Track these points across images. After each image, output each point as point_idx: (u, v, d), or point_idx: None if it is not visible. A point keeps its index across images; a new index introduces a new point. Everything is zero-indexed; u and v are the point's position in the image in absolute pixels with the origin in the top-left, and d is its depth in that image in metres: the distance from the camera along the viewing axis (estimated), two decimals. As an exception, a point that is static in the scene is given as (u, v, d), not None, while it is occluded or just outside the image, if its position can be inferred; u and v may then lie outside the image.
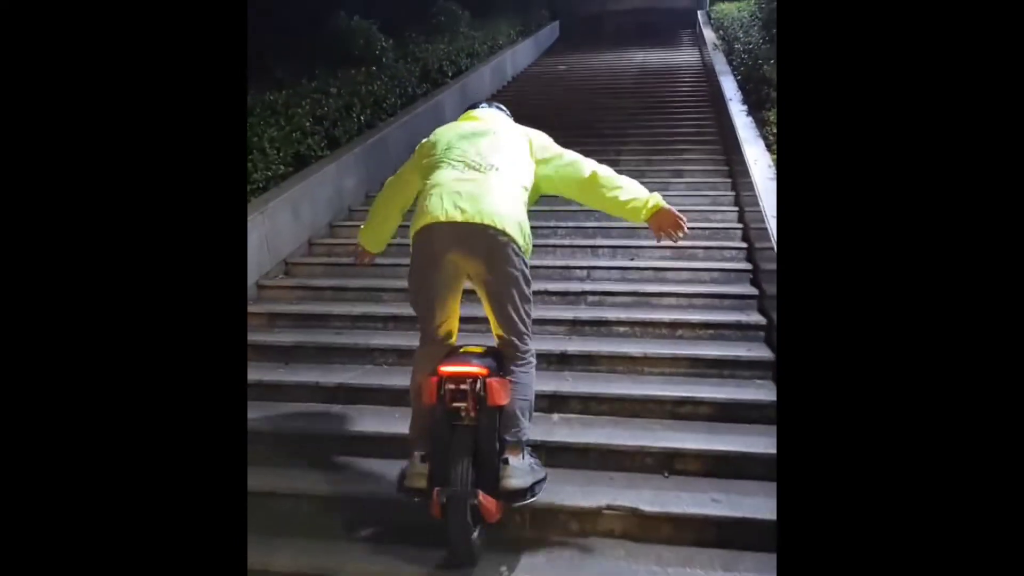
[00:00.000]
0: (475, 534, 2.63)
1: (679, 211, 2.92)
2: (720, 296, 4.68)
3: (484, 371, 2.58)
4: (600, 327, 4.43)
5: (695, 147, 7.52)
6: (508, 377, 2.69)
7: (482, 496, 2.53)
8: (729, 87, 8.13)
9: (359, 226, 3.47)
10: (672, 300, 4.71)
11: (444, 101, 8.93)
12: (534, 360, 2.83)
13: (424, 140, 3.03)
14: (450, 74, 9.78)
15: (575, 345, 4.20)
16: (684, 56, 13.67)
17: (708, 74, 10.98)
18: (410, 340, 3.47)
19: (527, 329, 2.78)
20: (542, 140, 2.99)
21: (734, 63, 9.04)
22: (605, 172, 2.93)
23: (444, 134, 2.96)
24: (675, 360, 4.03)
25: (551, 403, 3.71)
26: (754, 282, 4.84)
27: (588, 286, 4.92)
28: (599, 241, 5.55)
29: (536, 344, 2.93)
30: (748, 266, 5.03)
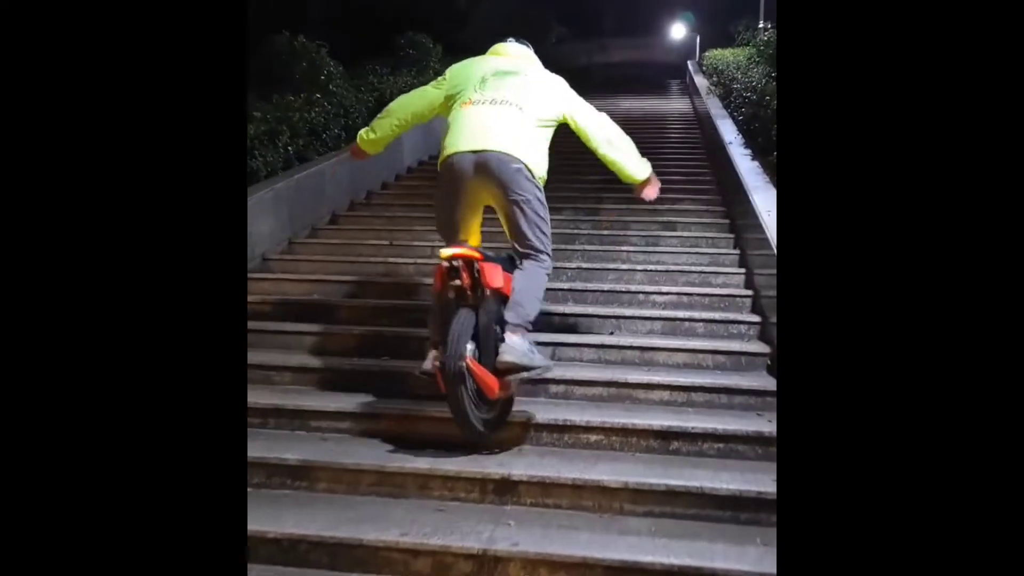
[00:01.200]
0: (483, 412, 2.85)
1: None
2: (728, 391, 3.42)
3: (478, 256, 2.85)
4: (563, 434, 3.16)
5: (688, 196, 6.38)
6: (518, 267, 3.01)
7: (472, 363, 2.74)
8: (728, 131, 7.05)
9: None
10: (664, 394, 3.45)
11: (402, 139, 7.78)
12: (550, 264, 3.11)
13: (454, 67, 3.31)
14: (412, 110, 8.64)
15: (524, 464, 2.92)
16: (674, 104, 12.72)
17: (701, 121, 9.99)
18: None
19: (544, 246, 3.07)
20: (565, 92, 3.26)
21: (733, 104, 7.98)
22: (607, 151, 3.29)
23: (475, 68, 3.22)
24: (670, 495, 2.73)
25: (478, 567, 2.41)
26: (772, 370, 3.61)
27: (551, 371, 3.64)
28: (570, 307, 4.31)
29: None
30: (763, 348, 3.80)
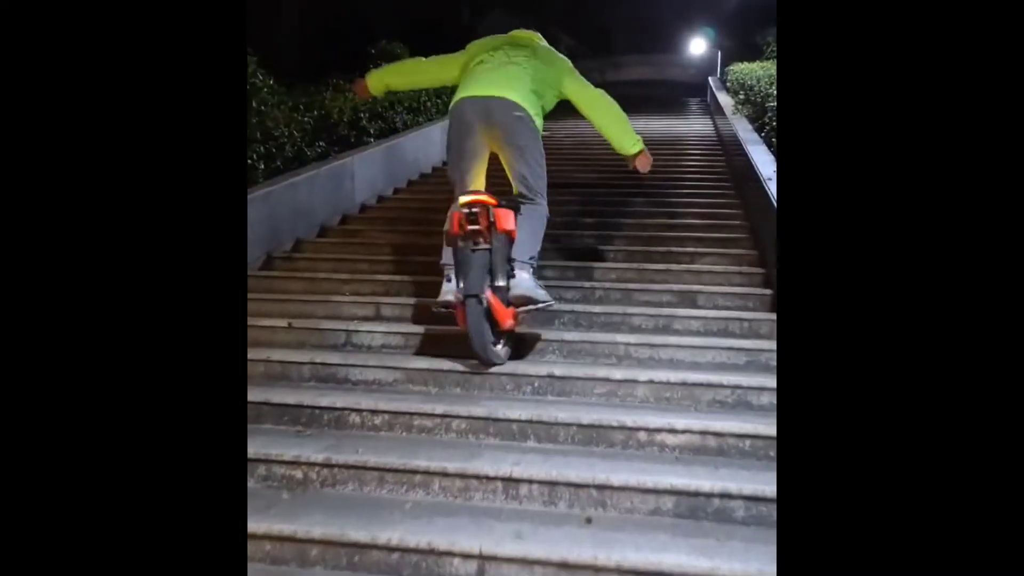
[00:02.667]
0: (498, 344, 3.23)
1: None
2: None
3: (494, 201, 3.15)
4: None
5: (712, 251, 4.80)
6: (519, 211, 3.28)
7: (492, 296, 3.10)
8: (764, 160, 5.44)
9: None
10: None
11: (353, 165, 6.24)
12: (544, 208, 3.39)
13: (474, 42, 3.63)
14: (373, 132, 7.13)
15: None
16: (694, 126, 11.11)
17: (725, 145, 8.39)
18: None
19: (541, 189, 3.38)
20: (567, 67, 3.55)
21: (768, 124, 6.36)
22: (600, 124, 3.60)
23: (491, 40, 3.60)
24: None
25: None
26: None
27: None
28: (524, 465, 2.66)
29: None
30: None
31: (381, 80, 3.80)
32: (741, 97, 9.01)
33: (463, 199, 3.11)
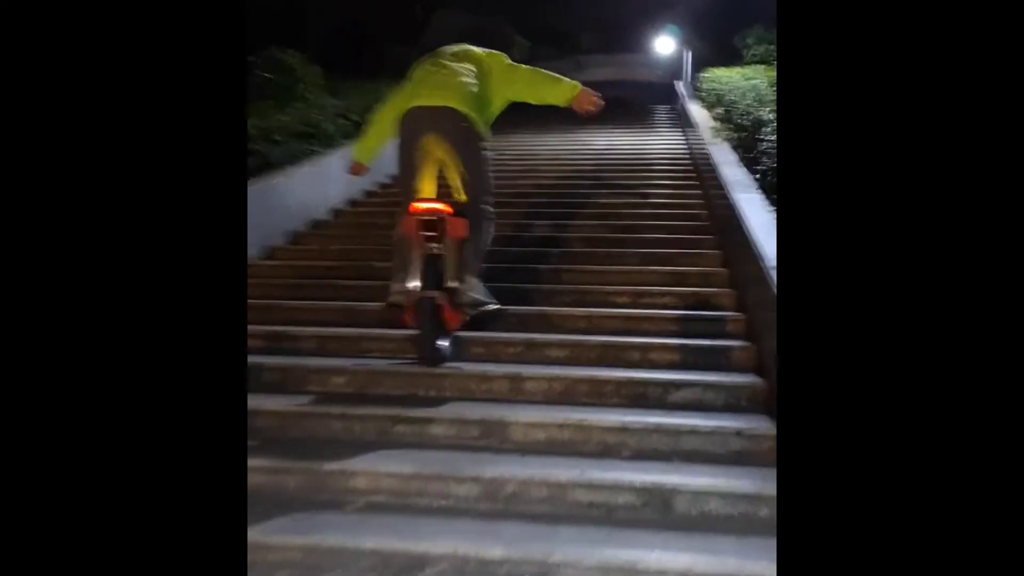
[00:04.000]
0: (443, 341, 3.31)
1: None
2: None
3: (449, 209, 3.28)
4: None
5: (676, 329, 3.22)
6: (467, 217, 3.35)
7: (441, 299, 3.21)
8: (759, 220, 3.88)
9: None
10: None
11: (279, 193, 4.51)
12: (493, 215, 3.57)
13: (417, 60, 3.74)
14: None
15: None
16: (663, 138, 9.52)
17: (702, 178, 6.80)
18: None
19: (487, 193, 3.50)
20: (503, 59, 3.70)
21: (768, 168, 4.79)
22: (535, 97, 3.64)
23: (436, 52, 3.69)
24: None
25: None
26: None
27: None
28: None
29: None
30: None
31: (365, 149, 3.91)
32: (720, 112, 7.43)
33: (418, 206, 3.25)
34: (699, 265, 4.64)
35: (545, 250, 5.11)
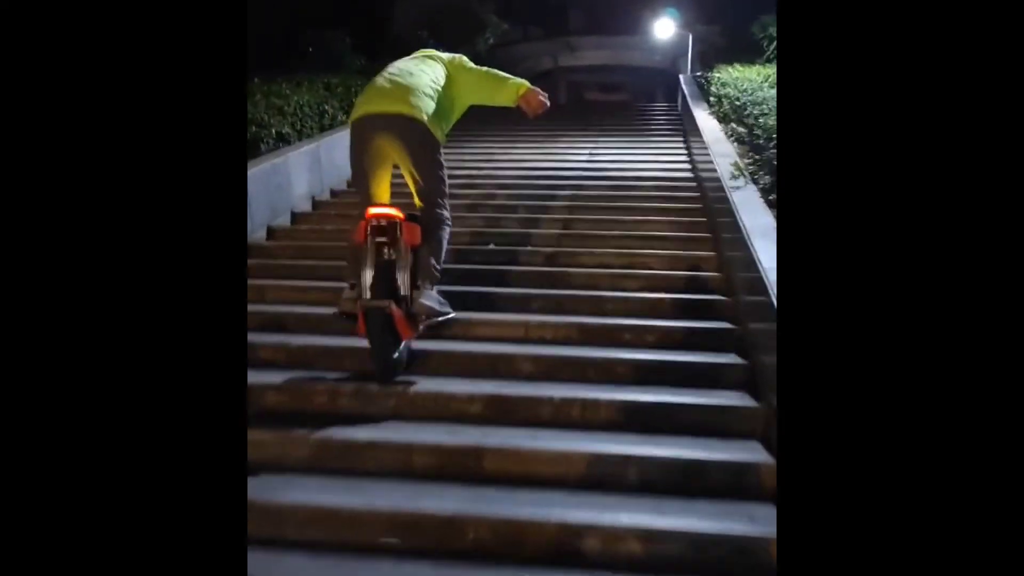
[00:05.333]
0: (396, 353, 3.17)
1: None
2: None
3: (402, 216, 3.18)
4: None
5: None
6: (423, 224, 3.30)
7: (394, 308, 3.08)
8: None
9: None
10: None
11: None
12: (448, 221, 3.45)
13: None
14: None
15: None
16: (661, 155, 7.66)
17: (711, 211, 5.00)
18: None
19: (442, 199, 3.41)
20: (462, 61, 3.60)
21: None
22: (485, 98, 3.57)
23: (399, 60, 3.59)
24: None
25: None
26: None
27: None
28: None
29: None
30: None
31: None
32: (740, 132, 5.58)
33: (372, 211, 3.16)
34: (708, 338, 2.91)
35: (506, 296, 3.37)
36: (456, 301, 4.01)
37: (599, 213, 5.51)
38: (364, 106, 3.35)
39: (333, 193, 6.30)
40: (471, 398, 2.97)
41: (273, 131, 5.63)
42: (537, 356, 3.34)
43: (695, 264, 4.53)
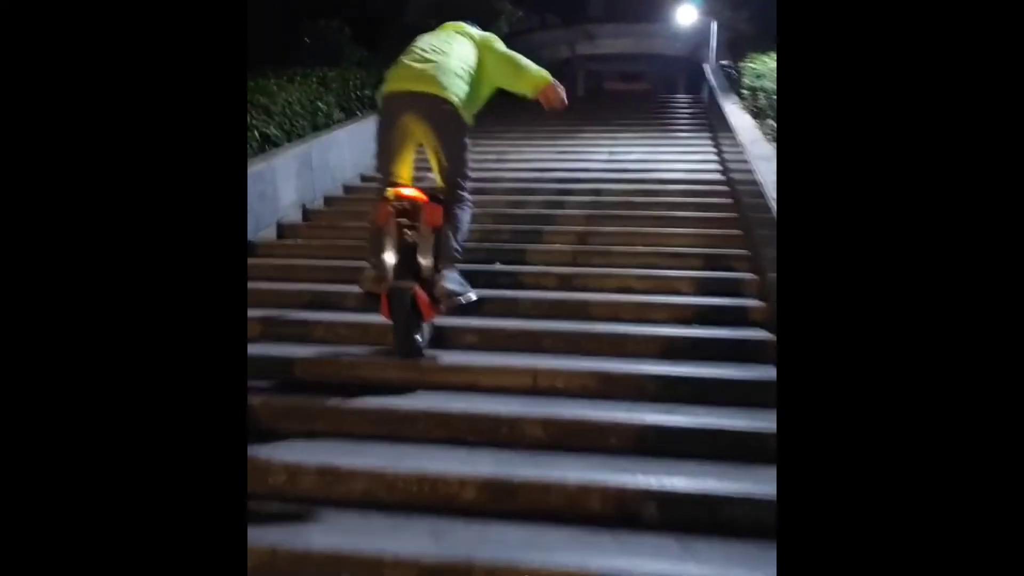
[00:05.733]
0: (418, 334, 3.17)
1: None
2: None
3: (423, 197, 3.15)
4: None
5: None
6: (446, 205, 3.25)
7: (418, 290, 3.07)
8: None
9: None
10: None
11: None
12: (470, 202, 3.41)
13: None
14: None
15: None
16: (689, 152, 7.02)
17: (748, 221, 4.39)
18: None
19: (464, 180, 3.36)
20: (486, 36, 3.54)
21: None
22: (512, 73, 3.42)
23: (429, 33, 3.54)
24: None
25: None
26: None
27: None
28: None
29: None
30: None
31: None
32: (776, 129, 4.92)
33: (391, 192, 3.13)
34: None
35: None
36: (456, 339, 3.45)
37: (620, 224, 4.90)
38: (393, 83, 3.32)
39: (327, 201, 5.72)
40: (462, 483, 2.38)
41: (257, 133, 5.05)
42: (547, 419, 2.74)
43: (733, 289, 3.91)
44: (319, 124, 5.92)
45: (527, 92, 3.42)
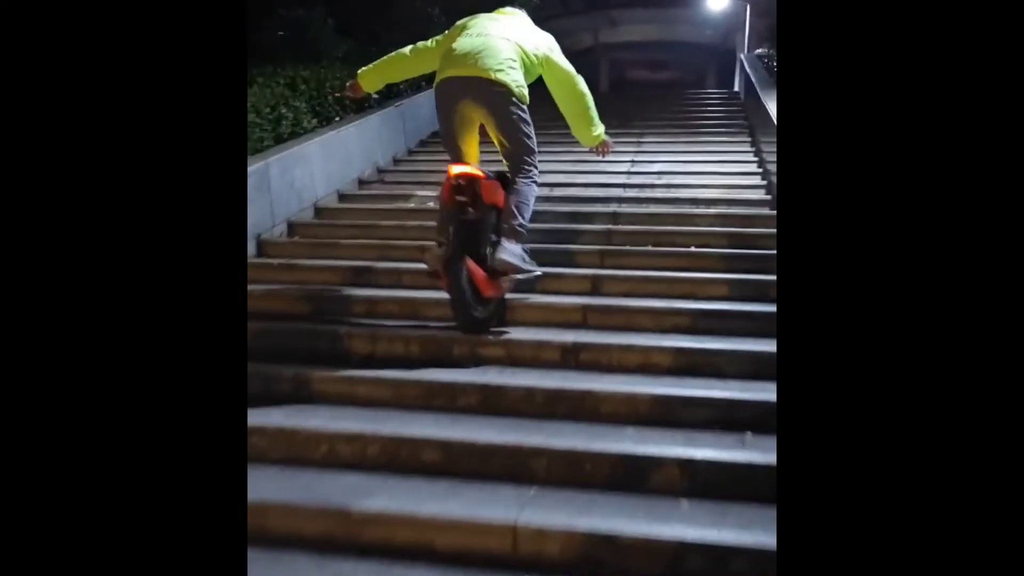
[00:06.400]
0: (476, 311, 3.16)
1: None
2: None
3: (482, 175, 3.20)
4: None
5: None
6: (511, 182, 3.36)
7: (472, 266, 3.10)
8: None
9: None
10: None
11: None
12: (536, 176, 3.44)
13: (459, 22, 3.60)
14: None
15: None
16: (725, 162, 5.99)
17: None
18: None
19: (530, 156, 3.40)
20: (549, 42, 3.56)
21: None
22: (568, 109, 3.58)
23: (475, 17, 3.57)
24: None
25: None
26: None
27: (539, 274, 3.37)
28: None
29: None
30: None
31: (375, 76, 3.78)
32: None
33: (453, 170, 3.18)
34: None
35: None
36: (406, 467, 2.50)
37: (641, 261, 3.92)
38: (447, 69, 3.35)
39: (292, 228, 4.77)
40: None
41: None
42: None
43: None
44: (283, 135, 4.97)
45: (582, 139, 3.68)
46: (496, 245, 3.18)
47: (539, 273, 3.32)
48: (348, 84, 3.91)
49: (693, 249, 4.04)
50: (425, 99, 7.09)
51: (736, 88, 9.92)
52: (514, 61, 3.31)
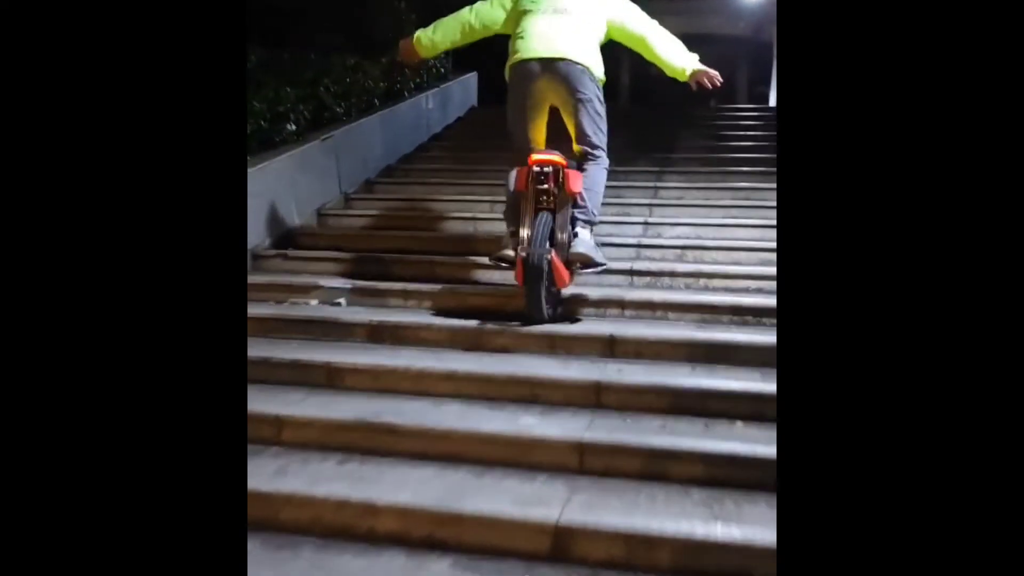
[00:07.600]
0: (550, 298, 3.19)
1: None
2: None
3: (564, 162, 3.21)
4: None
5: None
6: (582, 168, 3.34)
7: (554, 257, 3.10)
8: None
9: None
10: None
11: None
12: (606, 162, 3.45)
13: None
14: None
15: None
16: (766, 216, 4.73)
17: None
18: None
19: (602, 143, 3.43)
20: (624, 5, 3.53)
21: None
22: (658, 47, 3.45)
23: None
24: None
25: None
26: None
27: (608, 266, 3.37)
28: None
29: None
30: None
31: (431, 40, 3.63)
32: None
33: (535, 157, 3.15)
34: None
35: None
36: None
37: (652, 408, 2.68)
38: (522, 51, 3.34)
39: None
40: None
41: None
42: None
43: None
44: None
45: (677, 75, 3.47)
46: (573, 235, 3.19)
47: (607, 266, 3.33)
48: (400, 45, 3.75)
49: (740, 425, 2.72)
50: (377, 122, 5.87)
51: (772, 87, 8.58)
52: (592, 40, 3.35)
